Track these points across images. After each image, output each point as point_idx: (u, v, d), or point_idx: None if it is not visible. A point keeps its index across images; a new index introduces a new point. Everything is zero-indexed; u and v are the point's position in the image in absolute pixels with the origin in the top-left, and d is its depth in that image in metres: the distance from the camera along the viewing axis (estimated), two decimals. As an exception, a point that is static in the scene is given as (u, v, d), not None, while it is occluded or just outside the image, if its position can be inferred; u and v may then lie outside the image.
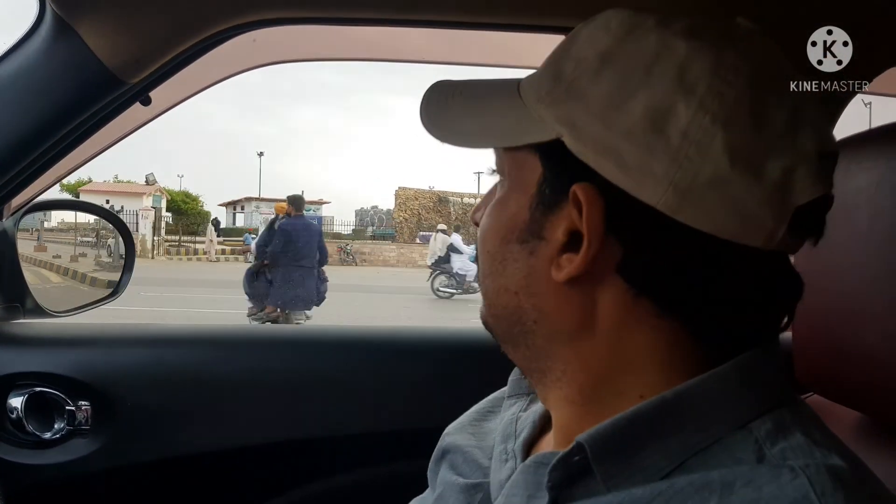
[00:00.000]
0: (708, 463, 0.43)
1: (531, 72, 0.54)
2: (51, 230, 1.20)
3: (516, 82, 0.54)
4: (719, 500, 0.40)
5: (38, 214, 1.21)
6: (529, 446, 0.57)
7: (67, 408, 1.01)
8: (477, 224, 0.56)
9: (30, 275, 1.17)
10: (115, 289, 1.29)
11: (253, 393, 1.05)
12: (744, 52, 0.44)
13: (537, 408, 0.59)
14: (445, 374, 1.09)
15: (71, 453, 1.01)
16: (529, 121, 0.49)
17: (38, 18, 0.89)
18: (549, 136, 0.47)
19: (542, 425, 0.58)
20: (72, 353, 1.04)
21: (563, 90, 0.48)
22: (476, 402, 0.70)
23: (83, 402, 1.01)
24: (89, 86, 0.89)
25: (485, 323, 0.55)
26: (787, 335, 0.69)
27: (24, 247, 1.16)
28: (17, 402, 1.00)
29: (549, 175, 0.48)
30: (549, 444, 0.55)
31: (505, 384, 0.67)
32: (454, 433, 0.66)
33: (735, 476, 0.41)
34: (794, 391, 0.50)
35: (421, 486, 0.77)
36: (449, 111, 0.54)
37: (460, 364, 1.10)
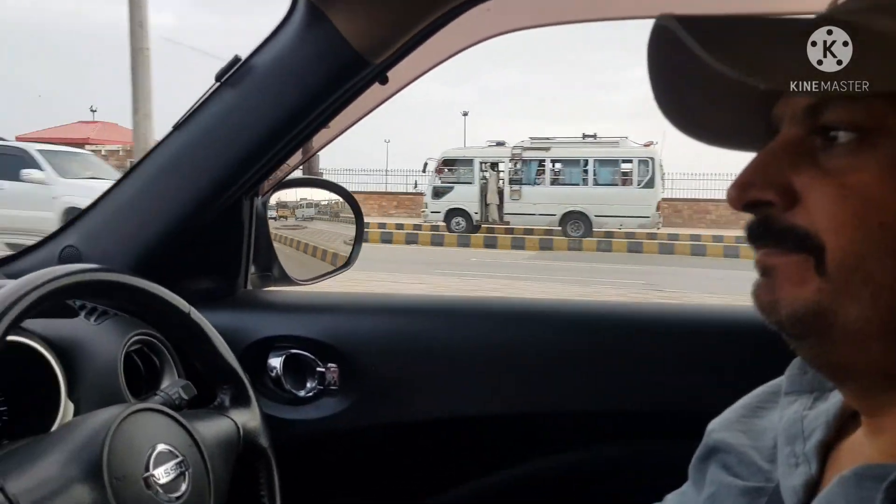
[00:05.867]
0: None
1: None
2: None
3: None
4: None
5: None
6: (825, 450, 0.51)
7: (318, 369, 1.10)
8: (751, 206, 0.47)
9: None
10: (349, 259, 1.39)
11: (487, 364, 1.07)
12: None
13: (827, 406, 0.53)
14: (685, 356, 1.03)
15: (321, 411, 1.10)
16: None
17: (291, 7, 0.96)
18: None
19: (839, 427, 0.51)
20: (321, 319, 1.13)
21: None
22: (715, 387, 0.66)
23: (332, 365, 1.10)
24: (339, 69, 0.94)
25: (822, 311, 0.44)
26: None
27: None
28: (276, 362, 1.11)
29: None
30: (853, 449, 0.49)
31: (760, 373, 0.62)
32: (721, 430, 0.62)
33: None
34: None
35: (650, 469, 0.74)
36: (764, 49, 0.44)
37: (705, 346, 1.04)
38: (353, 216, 1.39)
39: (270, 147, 1.02)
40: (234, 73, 1.00)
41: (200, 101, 1.04)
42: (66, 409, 0.86)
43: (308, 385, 1.11)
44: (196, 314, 0.88)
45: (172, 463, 0.73)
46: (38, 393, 0.86)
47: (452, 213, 16.46)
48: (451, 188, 16.64)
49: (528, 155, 16.38)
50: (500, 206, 16.58)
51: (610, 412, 1.05)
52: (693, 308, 1.18)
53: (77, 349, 0.91)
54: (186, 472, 0.74)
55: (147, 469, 0.70)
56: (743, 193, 0.46)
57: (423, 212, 17.20)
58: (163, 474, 0.71)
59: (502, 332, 1.09)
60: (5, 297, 0.67)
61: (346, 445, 1.12)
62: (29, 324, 0.88)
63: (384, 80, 1.02)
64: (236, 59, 1.00)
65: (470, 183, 16.57)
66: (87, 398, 0.87)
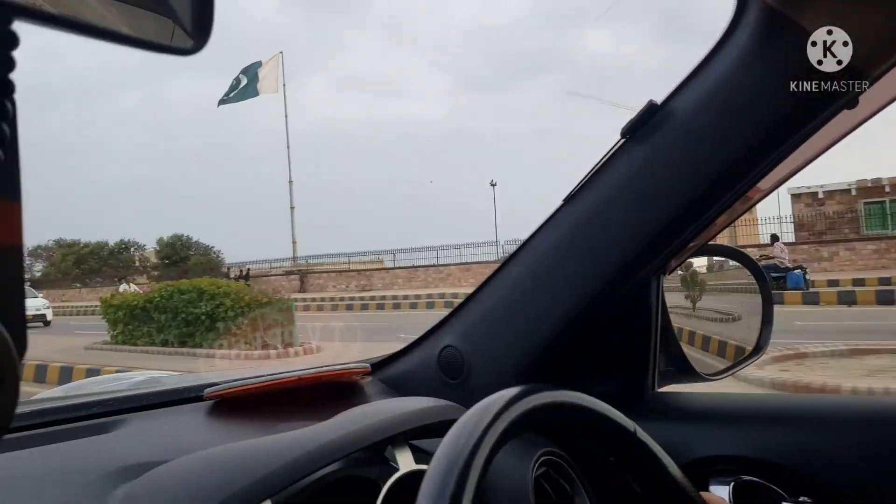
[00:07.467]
0: None
1: None
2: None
3: None
4: None
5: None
6: None
7: None
8: None
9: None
10: (758, 344, 1.10)
11: None
12: None
13: None
14: None
15: None
16: None
17: (728, 30, 0.74)
18: None
19: None
20: (773, 432, 0.84)
21: None
22: None
23: (805, 499, 0.80)
24: (818, 88, 0.69)
25: None
26: None
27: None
28: (720, 491, 0.84)
29: None
30: None
31: None
32: None
33: None
34: None
35: None
36: None
37: None
38: (755, 289, 1.11)
39: (702, 209, 0.79)
40: (647, 124, 0.80)
41: (599, 165, 0.85)
42: None
43: None
44: (641, 432, 0.68)
45: None
46: None
47: None
48: None
49: None
50: None
51: None
52: None
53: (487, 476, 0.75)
54: None
55: None
56: None
57: None
58: None
59: None
60: (468, 436, 0.52)
61: None
62: (424, 443, 0.77)
63: (853, 103, 0.74)
64: (651, 107, 0.80)
65: None
66: None
